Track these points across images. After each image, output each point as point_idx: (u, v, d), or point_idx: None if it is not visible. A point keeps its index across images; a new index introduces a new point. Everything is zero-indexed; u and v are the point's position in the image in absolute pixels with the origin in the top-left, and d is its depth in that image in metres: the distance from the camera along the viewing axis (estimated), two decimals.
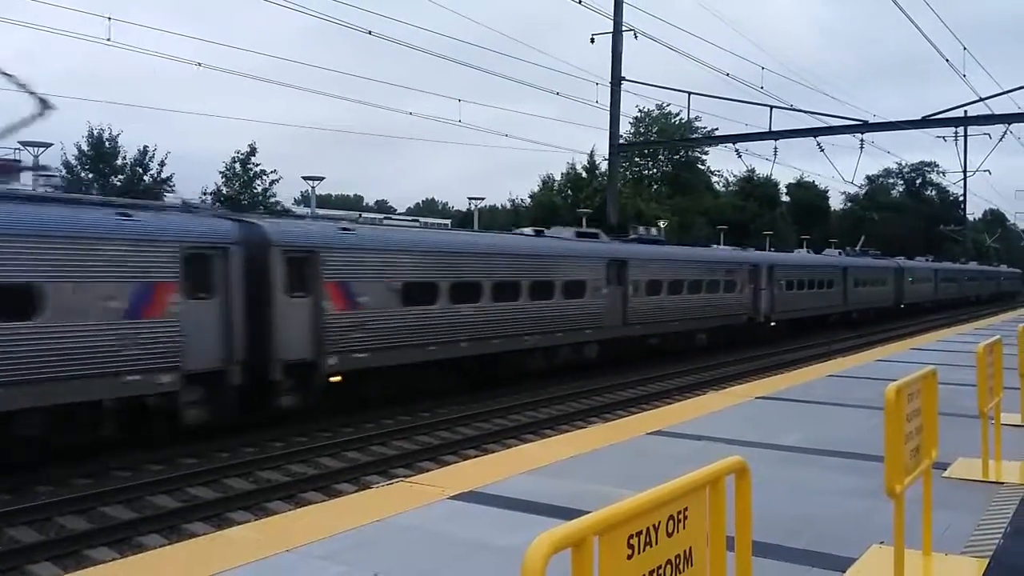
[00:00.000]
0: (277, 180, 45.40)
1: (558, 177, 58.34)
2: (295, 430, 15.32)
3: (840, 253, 49.49)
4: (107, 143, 39.36)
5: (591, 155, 56.32)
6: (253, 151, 44.46)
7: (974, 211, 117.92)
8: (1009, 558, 4.77)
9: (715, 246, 37.96)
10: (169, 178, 41.20)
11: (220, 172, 44.86)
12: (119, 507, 10.95)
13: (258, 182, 45.18)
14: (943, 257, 74.24)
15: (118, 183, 39.40)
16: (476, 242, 21.01)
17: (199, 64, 22.80)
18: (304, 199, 49.00)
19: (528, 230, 26.02)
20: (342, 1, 21.49)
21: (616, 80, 32.60)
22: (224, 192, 44.11)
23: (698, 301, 28.19)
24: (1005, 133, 31.90)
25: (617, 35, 32.15)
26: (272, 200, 45.02)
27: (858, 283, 44.05)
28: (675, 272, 27.10)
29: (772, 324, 33.64)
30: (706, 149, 69.75)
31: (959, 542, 5.03)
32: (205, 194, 43.56)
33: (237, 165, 44.70)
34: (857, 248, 55.86)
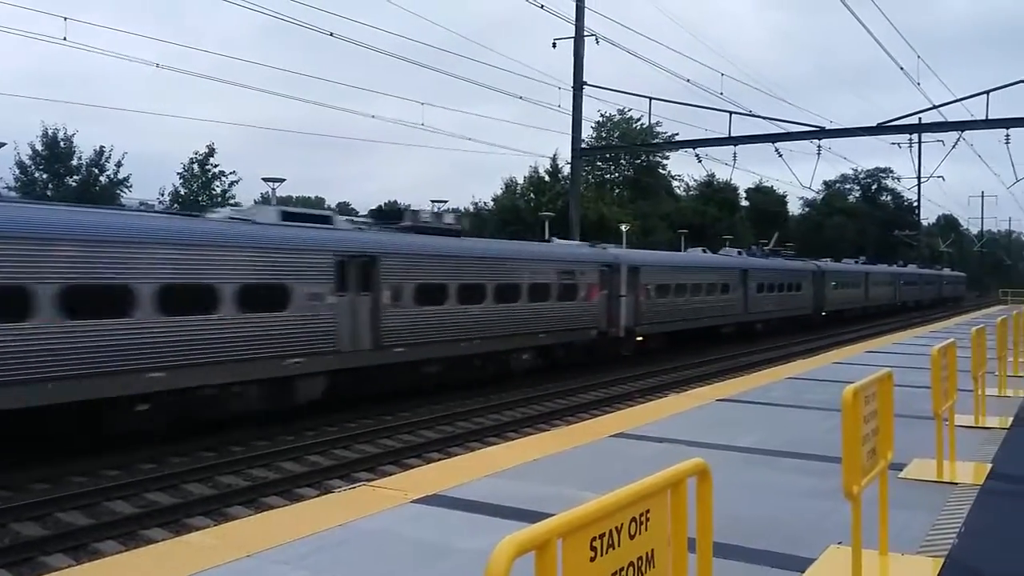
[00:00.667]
0: (236, 181, 45.10)
1: (521, 180, 58.70)
2: (256, 434, 15.16)
3: (740, 252, 42.69)
4: (62, 143, 38.71)
5: (554, 159, 56.76)
6: (211, 152, 44.12)
7: (928, 216, 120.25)
8: (963, 557, 4.87)
9: (558, 240, 29.74)
10: (126, 179, 40.66)
11: (178, 173, 44.42)
12: (76, 513, 10.75)
13: (217, 183, 44.79)
14: (898, 262, 74.70)
15: (73, 183, 38.76)
16: (23, 220, 12.56)
17: (157, 64, 22.54)
18: (264, 201, 48.56)
19: (224, 211, 18.92)
20: (303, 2, 21.36)
21: (578, 85, 32.76)
22: (182, 193, 43.63)
23: (513, 311, 21.67)
24: (958, 140, 32.55)
25: (579, 40, 32.31)
26: (232, 202, 44.62)
27: (763, 288, 38.08)
28: (467, 273, 20.30)
29: (639, 339, 27.53)
30: (667, 154, 70.50)
31: (915, 542, 5.12)
32: (162, 195, 43.10)
33: (195, 166, 44.26)
34: (767, 247, 48.32)
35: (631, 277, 26.88)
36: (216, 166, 44.70)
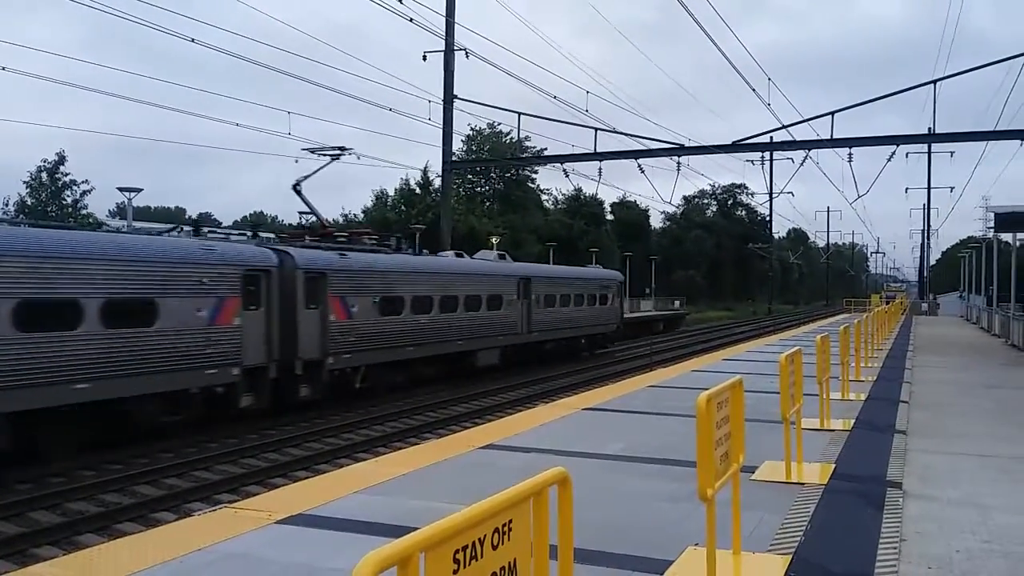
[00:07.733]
0: (89, 191, 42.94)
1: (392, 193, 58.48)
2: (108, 457, 14.40)
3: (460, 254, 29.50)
4: None
5: (424, 171, 56.87)
6: (62, 160, 41.86)
7: (779, 230, 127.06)
8: (809, 554, 5.16)
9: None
10: None
11: (24, 182, 41.95)
12: None
13: (68, 193, 42.52)
14: (752, 274, 77.83)
15: None
16: None
17: (3, 68, 21.14)
18: (120, 211, 46.43)
19: None
20: (159, 6, 20.55)
21: (448, 98, 32.89)
22: (29, 203, 41.19)
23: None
24: (805, 158, 34.39)
25: (449, 54, 32.46)
26: (84, 212, 42.42)
27: (553, 301, 29.77)
28: None
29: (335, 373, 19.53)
30: (536, 168, 71.74)
31: (765, 541, 5.39)
32: (7, 206, 40.59)
33: (44, 175, 41.92)
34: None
35: (312, 285, 19.00)
36: (67, 175, 42.46)
